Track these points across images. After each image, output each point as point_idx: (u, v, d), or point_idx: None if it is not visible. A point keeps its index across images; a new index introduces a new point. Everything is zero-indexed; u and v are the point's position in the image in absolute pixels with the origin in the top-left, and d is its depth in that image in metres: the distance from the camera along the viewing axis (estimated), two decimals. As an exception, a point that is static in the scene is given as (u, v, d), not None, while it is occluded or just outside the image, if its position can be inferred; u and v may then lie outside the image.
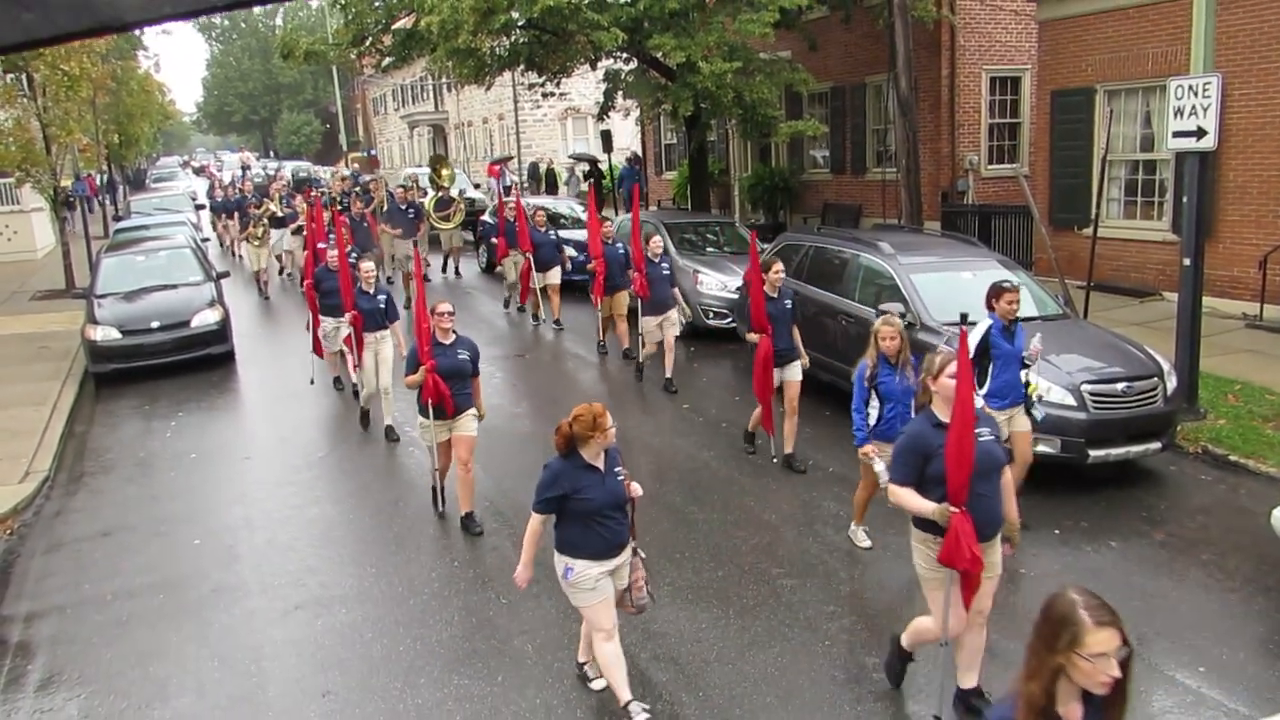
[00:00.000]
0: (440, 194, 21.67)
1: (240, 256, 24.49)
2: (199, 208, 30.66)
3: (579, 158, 28.49)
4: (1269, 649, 6.31)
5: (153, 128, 44.49)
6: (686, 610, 6.97)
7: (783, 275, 9.78)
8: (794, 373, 9.66)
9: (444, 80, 29.03)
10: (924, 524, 5.29)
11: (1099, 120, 15.40)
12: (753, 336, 9.49)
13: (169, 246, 16.91)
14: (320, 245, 13.41)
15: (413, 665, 6.42)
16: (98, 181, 39.95)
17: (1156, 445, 8.91)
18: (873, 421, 7.22)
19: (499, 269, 18.16)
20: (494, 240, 18.08)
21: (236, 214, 24.52)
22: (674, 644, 6.53)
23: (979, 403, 6.84)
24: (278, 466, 10.43)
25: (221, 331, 14.52)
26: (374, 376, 10.98)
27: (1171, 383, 9.16)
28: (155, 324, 14.10)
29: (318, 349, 12.61)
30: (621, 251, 13.51)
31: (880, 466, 6.95)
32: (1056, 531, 7.99)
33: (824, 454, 9.90)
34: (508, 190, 28.01)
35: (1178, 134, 9.86)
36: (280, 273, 22.65)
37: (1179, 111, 9.77)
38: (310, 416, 12.17)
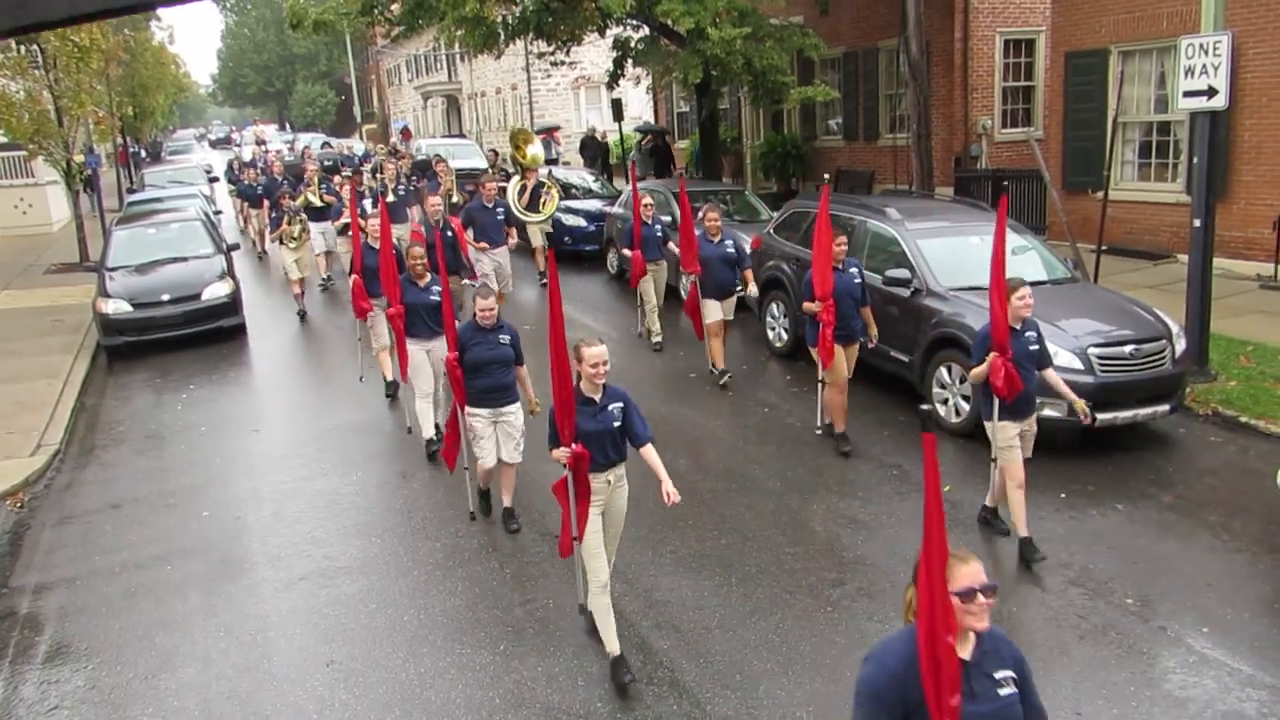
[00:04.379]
0: (523, 180, 16.47)
1: (263, 252, 19.64)
2: (213, 180, 30.65)
3: (645, 130, 27.45)
4: (1274, 609, 6.29)
5: (168, 100, 44.36)
6: (689, 578, 6.98)
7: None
8: None
9: (455, 50, 28.72)
10: None
11: (1112, 82, 15.20)
12: None
13: (180, 219, 16.86)
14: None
15: (416, 635, 6.45)
16: (129, 153, 39.57)
17: (1165, 408, 8.85)
18: None
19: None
20: (624, 251, 13.61)
21: (265, 203, 19.64)
22: (675, 611, 6.54)
23: None
24: (286, 439, 10.46)
25: (232, 304, 14.54)
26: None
27: (1180, 345, 9.10)
28: (166, 297, 14.12)
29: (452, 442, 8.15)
30: (857, 281, 9.23)
31: None
32: (1063, 495, 7.96)
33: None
34: (553, 163, 27.07)
35: (1188, 93, 9.75)
36: (321, 284, 17.61)
37: (1190, 71, 9.65)
38: (319, 390, 12.22)
